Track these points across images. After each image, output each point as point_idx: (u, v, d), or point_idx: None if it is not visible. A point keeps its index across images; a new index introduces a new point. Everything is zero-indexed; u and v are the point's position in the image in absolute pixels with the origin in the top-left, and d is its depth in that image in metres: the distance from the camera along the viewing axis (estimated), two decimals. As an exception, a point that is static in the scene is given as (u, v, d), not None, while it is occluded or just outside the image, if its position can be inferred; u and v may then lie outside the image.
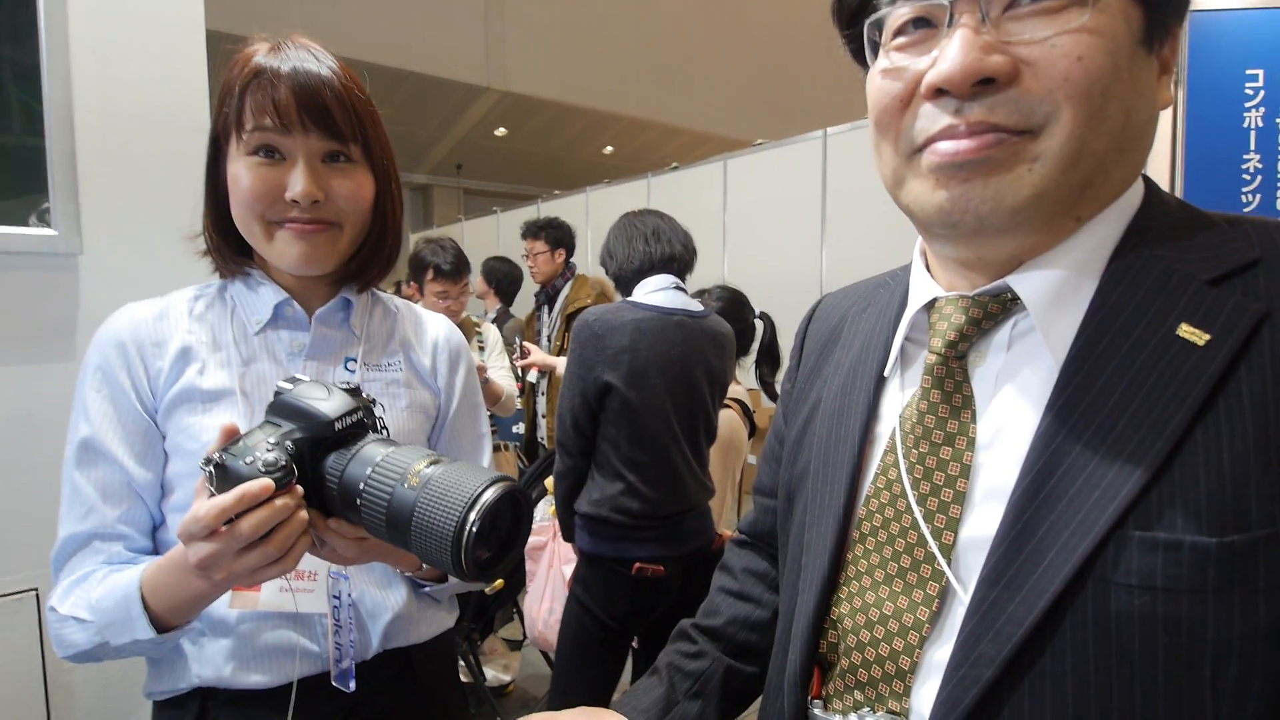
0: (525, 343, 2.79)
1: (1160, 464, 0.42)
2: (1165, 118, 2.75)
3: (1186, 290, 0.46)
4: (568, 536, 1.82)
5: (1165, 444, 0.42)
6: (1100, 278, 0.49)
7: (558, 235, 3.43)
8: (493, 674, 2.87)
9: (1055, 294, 0.49)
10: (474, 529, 0.56)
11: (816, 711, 0.55)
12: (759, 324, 2.25)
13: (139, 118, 1.27)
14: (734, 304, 2.21)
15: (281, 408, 0.65)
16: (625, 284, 1.83)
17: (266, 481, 0.58)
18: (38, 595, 1.17)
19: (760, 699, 0.70)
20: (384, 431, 0.70)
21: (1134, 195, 0.51)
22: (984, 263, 0.52)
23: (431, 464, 0.61)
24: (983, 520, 0.49)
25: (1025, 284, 0.50)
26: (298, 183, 0.77)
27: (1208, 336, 0.44)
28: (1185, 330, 0.44)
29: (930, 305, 0.56)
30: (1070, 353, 0.47)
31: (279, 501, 0.60)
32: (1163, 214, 0.51)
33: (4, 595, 1.15)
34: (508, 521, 0.61)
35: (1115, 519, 0.42)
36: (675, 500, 1.74)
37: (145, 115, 1.27)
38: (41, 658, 1.17)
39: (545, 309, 3.57)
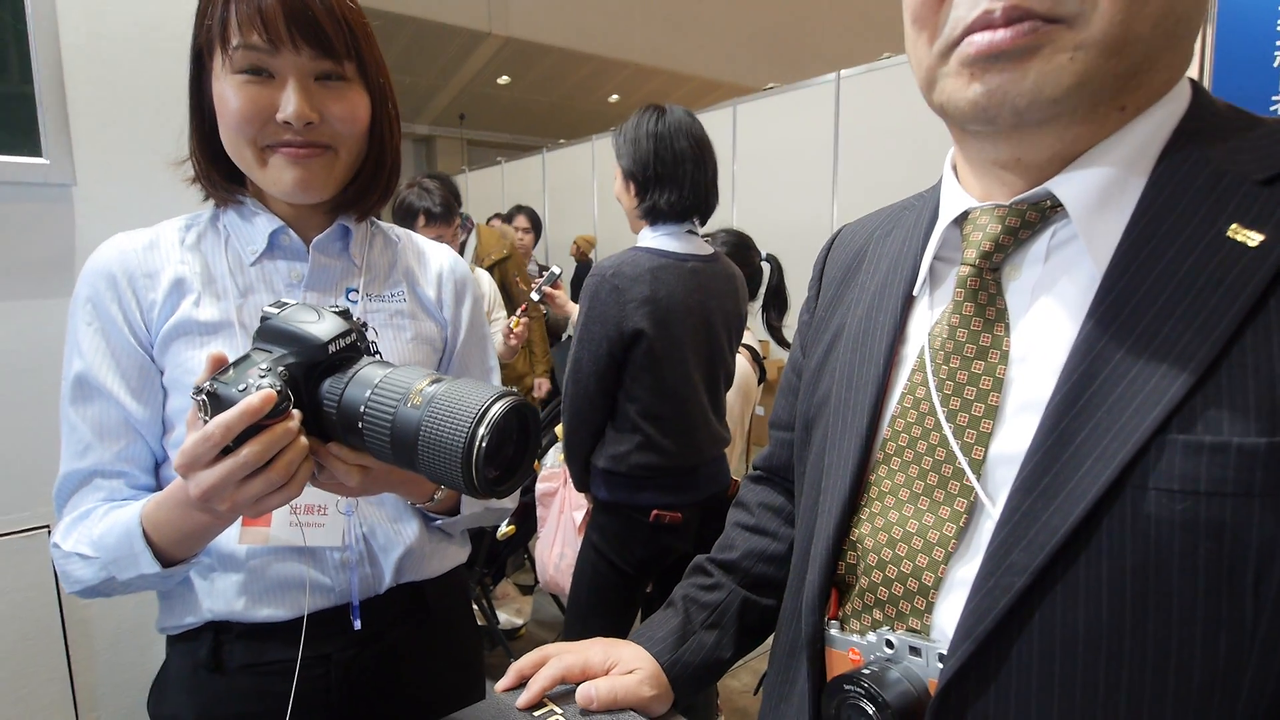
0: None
1: (1207, 367, 0.40)
2: (1194, 57, 2.66)
3: (1238, 191, 0.43)
4: (582, 488, 1.81)
5: (1213, 346, 0.40)
6: (1146, 179, 0.46)
7: None
8: (505, 618, 2.93)
9: (1099, 197, 0.46)
10: (484, 443, 0.54)
11: (833, 632, 0.55)
12: (765, 266, 2.21)
13: (127, 40, 1.22)
14: (740, 248, 2.17)
15: (270, 333, 0.63)
16: (653, 212, 1.67)
17: (268, 392, 0.56)
18: (49, 532, 1.17)
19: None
20: (377, 354, 0.67)
21: (1181, 95, 0.48)
22: (1023, 165, 0.49)
23: (433, 382, 0.58)
24: (1015, 434, 0.47)
25: (1067, 187, 0.47)
26: (289, 103, 0.73)
27: (1261, 237, 0.42)
28: (1236, 231, 0.42)
29: (963, 218, 0.54)
30: (1113, 258, 0.45)
31: (280, 426, 0.58)
32: (1211, 115, 0.48)
33: (16, 532, 1.16)
34: (516, 437, 0.59)
35: (1158, 424, 0.40)
36: (692, 452, 1.72)
37: (134, 37, 1.22)
38: (57, 594, 1.19)
39: None
